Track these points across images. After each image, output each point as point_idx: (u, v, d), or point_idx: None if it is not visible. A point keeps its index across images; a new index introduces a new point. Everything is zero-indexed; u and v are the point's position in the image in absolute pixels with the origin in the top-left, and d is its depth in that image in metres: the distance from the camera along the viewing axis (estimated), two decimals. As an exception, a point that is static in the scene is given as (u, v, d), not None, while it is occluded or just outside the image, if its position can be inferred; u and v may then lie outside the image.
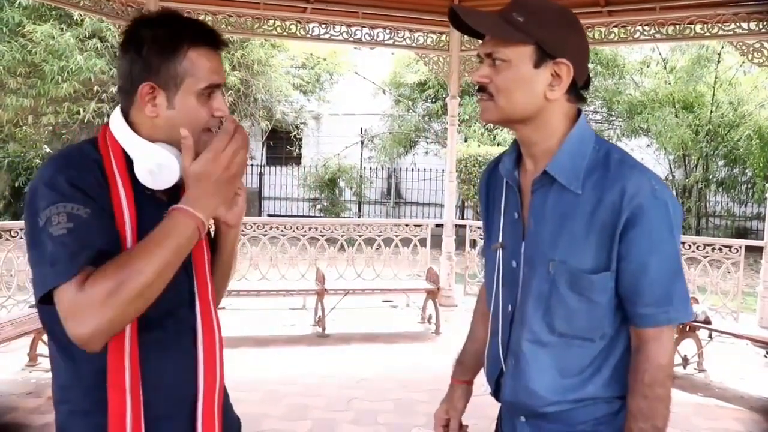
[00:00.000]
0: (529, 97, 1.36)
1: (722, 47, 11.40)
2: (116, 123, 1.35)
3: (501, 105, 1.37)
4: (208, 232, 1.48)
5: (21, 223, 5.96)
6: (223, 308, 5.87)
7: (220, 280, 1.50)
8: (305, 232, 6.93)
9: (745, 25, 5.80)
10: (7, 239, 5.43)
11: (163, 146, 1.32)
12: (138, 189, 1.31)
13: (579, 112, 1.44)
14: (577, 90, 1.41)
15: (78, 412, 1.29)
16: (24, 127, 11.94)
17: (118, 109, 1.37)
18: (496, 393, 1.54)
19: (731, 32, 5.89)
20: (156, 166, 1.30)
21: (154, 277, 1.17)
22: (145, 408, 1.27)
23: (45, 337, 4.69)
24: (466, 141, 13.56)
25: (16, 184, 13.29)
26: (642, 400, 1.35)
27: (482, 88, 1.39)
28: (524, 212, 1.46)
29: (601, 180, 1.35)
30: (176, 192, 1.40)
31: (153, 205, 1.34)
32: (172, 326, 1.32)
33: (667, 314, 1.34)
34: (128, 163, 1.32)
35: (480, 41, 1.43)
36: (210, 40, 1.35)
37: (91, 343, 1.16)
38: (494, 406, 1.61)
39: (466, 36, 1.48)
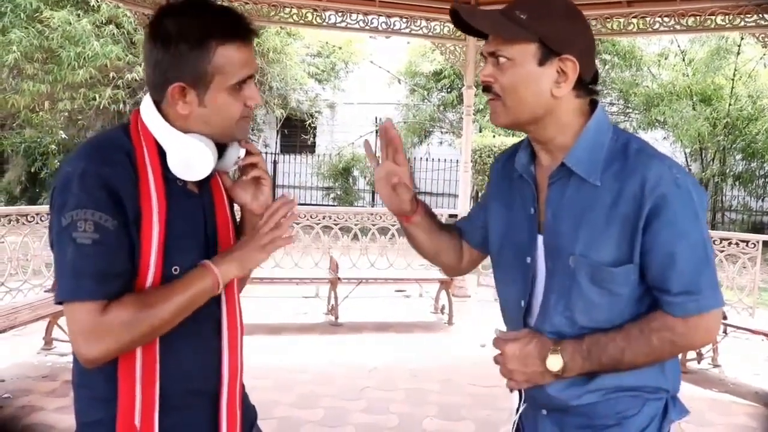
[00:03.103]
0: (536, 96, 1.34)
1: (742, 39, 11.23)
2: (148, 113, 1.32)
3: (508, 105, 1.36)
4: (234, 218, 1.47)
5: (37, 208, 6.01)
6: (237, 295, 5.89)
7: None
8: (319, 220, 6.91)
9: (767, 16, 5.70)
10: (23, 224, 5.46)
11: (197, 137, 1.30)
12: (169, 179, 1.30)
13: (595, 103, 1.42)
14: (585, 85, 1.38)
15: (99, 399, 1.28)
16: (40, 113, 12.01)
17: (148, 98, 1.34)
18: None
19: (753, 23, 5.77)
20: (189, 158, 1.29)
21: (168, 319, 1.23)
22: (161, 398, 1.26)
23: (60, 321, 4.77)
24: (480, 131, 13.48)
25: (33, 170, 13.39)
26: (636, 329, 1.33)
27: (488, 88, 1.37)
28: (540, 207, 1.44)
29: (621, 171, 1.33)
30: (208, 183, 1.39)
31: (184, 197, 1.33)
32: (194, 314, 1.29)
33: (696, 303, 1.31)
34: (161, 153, 1.30)
35: (484, 41, 1.40)
36: (239, 33, 1.30)
37: (96, 363, 1.21)
38: (509, 398, 1.59)
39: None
